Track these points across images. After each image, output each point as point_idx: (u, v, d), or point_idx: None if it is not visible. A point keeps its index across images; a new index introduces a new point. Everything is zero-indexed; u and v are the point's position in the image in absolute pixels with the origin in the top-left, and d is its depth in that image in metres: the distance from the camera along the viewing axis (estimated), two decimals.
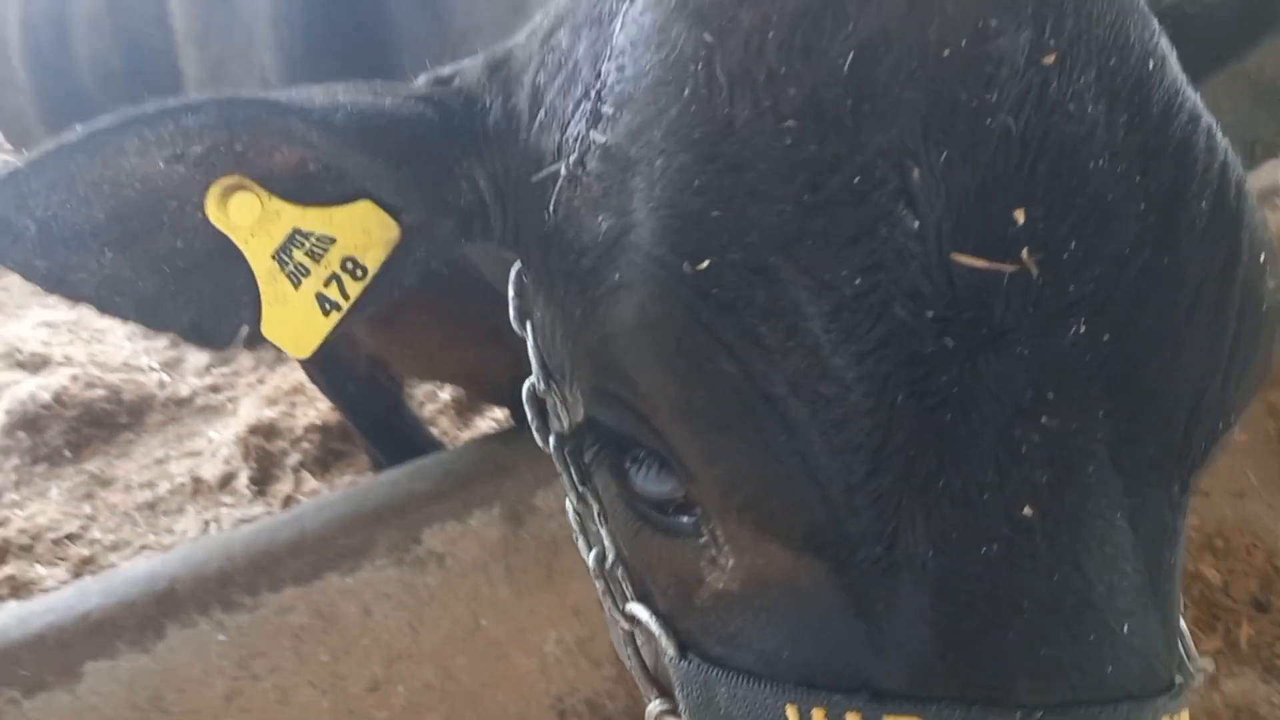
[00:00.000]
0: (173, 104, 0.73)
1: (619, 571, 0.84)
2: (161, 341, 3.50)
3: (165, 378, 3.35)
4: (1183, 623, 0.81)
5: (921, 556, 0.64)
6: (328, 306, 0.83)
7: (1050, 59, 0.63)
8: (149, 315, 0.83)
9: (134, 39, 1.69)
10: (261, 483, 2.99)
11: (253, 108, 0.74)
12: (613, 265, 0.68)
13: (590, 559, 0.86)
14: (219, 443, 3.12)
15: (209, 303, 0.82)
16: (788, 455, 0.64)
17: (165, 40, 1.60)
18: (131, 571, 1.78)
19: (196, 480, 3.03)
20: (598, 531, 0.85)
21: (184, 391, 3.32)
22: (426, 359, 1.91)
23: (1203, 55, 0.82)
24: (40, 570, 2.83)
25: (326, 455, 3.03)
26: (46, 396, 3.17)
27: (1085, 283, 0.62)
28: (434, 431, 2.95)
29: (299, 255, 0.81)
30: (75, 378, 3.24)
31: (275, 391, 3.22)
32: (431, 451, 2.38)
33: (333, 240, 0.82)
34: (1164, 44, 0.70)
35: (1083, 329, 0.62)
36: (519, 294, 0.87)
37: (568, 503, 0.86)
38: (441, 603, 1.95)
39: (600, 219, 0.69)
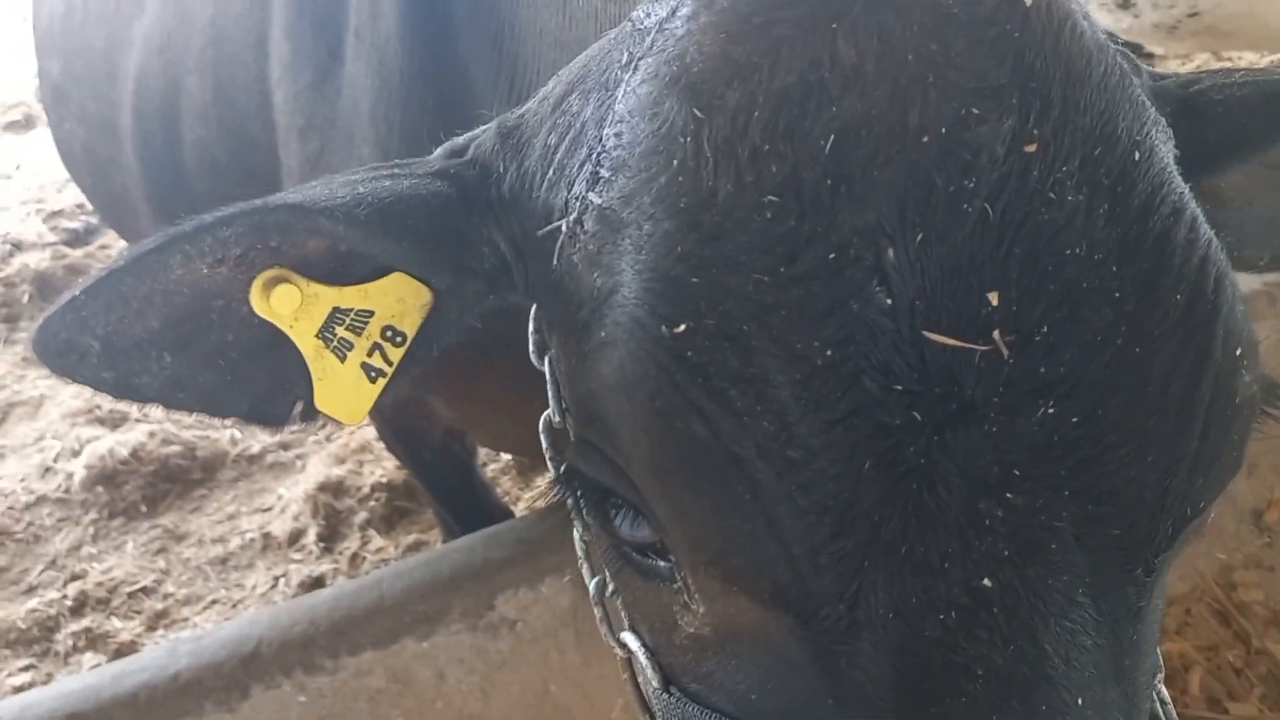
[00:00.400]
0: (208, 220, 0.79)
1: (618, 601, 0.88)
2: None
3: (237, 434, 3.45)
4: (1163, 689, 0.83)
5: (882, 618, 0.66)
6: (373, 374, 0.89)
7: (1032, 147, 0.65)
8: (211, 406, 0.90)
9: (237, 130, 1.79)
10: (329, 540, 3.07)
11: (281, 213, 0.80)
12: (601, 322, 0.71)
13: (592, 586, 0.90)
14: (288, 499, 3.20)
15: (264, 387, 0.88)
16: (754, 515, 0.66)
17: (266, 132, 1.70)
18: (220, 633, 1.85)
19: (266, 536, 3.11)
20: (600, 561, 0.88)
21: (255, 448, 3.41)
22: (501, 430, 1.97)
23: (1226, 144, 0.83)
24: (116, 623, 2.92)
25: (392, 513, 3.10)
26: (125, 452, 3.28)
27: (1056, 366, 0.63)
28: (496, 491, 3.02)
29: (341, 331, 0.87)
30: (152, 434, 3.34)
31: (343, 450, 3.30)
32: (501, 516, 2.44)
33: (371, 313, 0.88)
34: (1155, 134, 0.71)
35: (1051, 410, 0.63)
36: (538, 330, 0.92)
37: (574, 531, 0.90)
38: (512, 668, 1.99)
39: (595, 276, 0.73)
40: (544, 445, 0.90)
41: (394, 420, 2.28)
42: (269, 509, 3.21)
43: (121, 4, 2.12)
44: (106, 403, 3.53)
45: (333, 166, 1.59)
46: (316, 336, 0.86)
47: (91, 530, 3.18)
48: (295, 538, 3.07)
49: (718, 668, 0.76)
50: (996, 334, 0.63)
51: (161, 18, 1.98)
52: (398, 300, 0.88)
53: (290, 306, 0.84)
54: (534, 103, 0.87)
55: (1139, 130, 0.69)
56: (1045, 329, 0.63)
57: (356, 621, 1.87)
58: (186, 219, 0.80)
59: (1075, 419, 0.64)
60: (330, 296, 0.86)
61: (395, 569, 1.94)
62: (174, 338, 0.83)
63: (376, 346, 0.89)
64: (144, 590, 3.01)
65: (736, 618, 0.72)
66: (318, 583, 2.93)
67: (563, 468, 0.82)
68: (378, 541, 3.03)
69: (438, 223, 0.84)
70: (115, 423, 3.47)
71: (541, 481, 3.22)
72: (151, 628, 2.92)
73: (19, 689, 2.73)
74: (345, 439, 3.36)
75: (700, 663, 0.78)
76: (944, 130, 0.65)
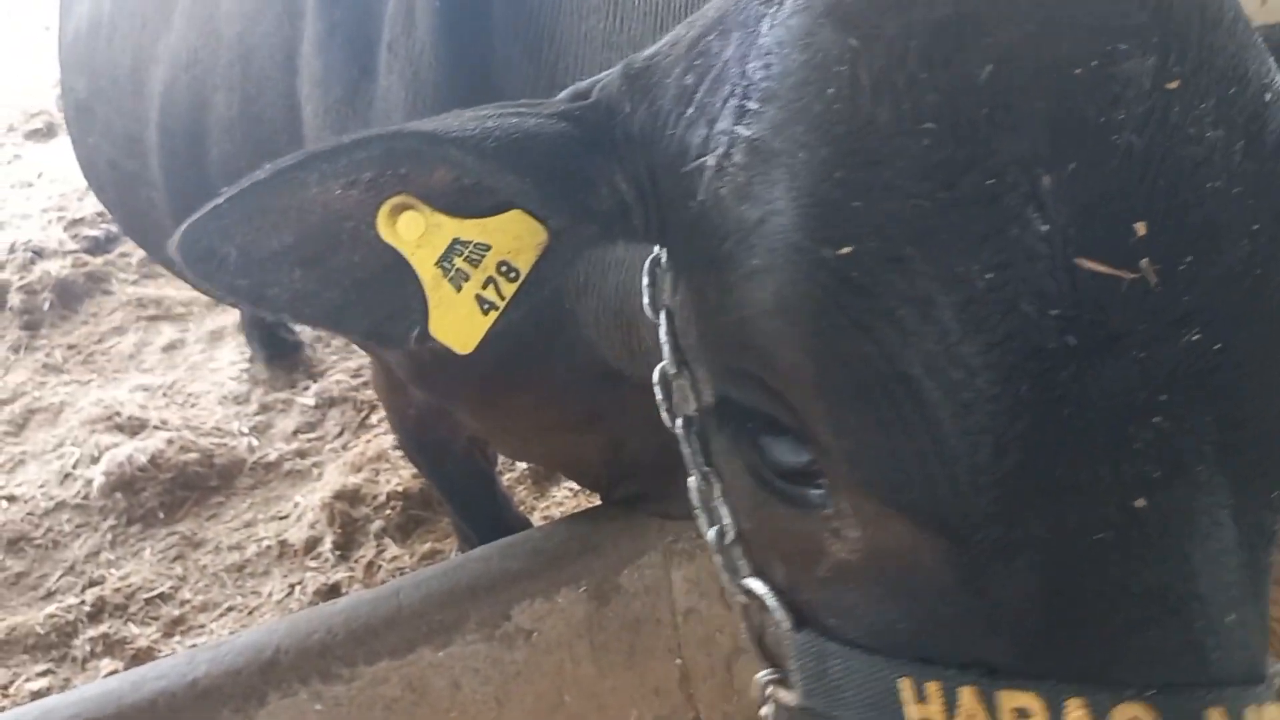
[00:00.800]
0: (346, 141, 0.83)
1: (737, 548, 0.89)
2: (252, 406, 3.64)
3: (254, 442, 3.48)
4: None
5: (1038, 540, 0.68)
6: (486, 307, 0.92)
7: (1174, 85, 0.67)
8: (334, 322, 0.93)
9: (264, 146, 1.81)
10: (345, 548, 3.09)
11: (415, 140, 0.84)
12: (751, 251, 0.73)
13: (711, 535, 0.91)
14: (304, 507, 3.22)
15: (384, 309, 0.92)
16: (918, 433, 0.68)
17: (294, 147, 1.71)
18: (238, 641, 1.87)
19: (282, 544, 3.13)
20: (717, 510, 0.90)
21: (272, 456, 3.44)
22: (525, 441, 1.99)
23: None
24: (133, 629, 2.95)
25: (408, 522, 3.12)
26: (143, 459, 3.31)
27: (1199, 295, 0.66)
28: (514, 501, 3.04)
29: (459, 262, 0.89)
30: (171, 441, 3.37)
31: (359, 458, 3.32)
32: (519, 526, 2.46)
33: (488, 247, 0.90)
34: None
35: (1195, 338, 0.66)
36: (653, 282, 0.94)
37: (690, 481, 0.91)
38: (527, 678, 2.01)
39: (743, 207, 0.74)
40: (658, 397, 0.93)
41: (416, 431, 2.30)
42: (285, 516, 3.24)
43: (148, 21, 2.15)
44: (126, 409, 3.57)
45: None
46: (436, 265, 0.89)
47: (110, 536, 3.21)
48: (311, 545, 3.09)
49: (863, 599, 0.78)
50: (1144, 263, 0.65)
51: (188, 35, 2.00)
52: (515, 237, 0.90)
53: (414, 234, 0.87)
54: (663, 46, 0.89)
55: (1266, 74, 0.72)
56: (1189, 259, 0.66)
57: (374, 630, 1.88)
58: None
59: (1217, 346, 0.66)
60: (451, 227, 0.88)
61: (413, 578, 1.96)
62: (305, 253, 0.87)
63: (491, 280, 0.91)
64: (161, 596, 3.04)
65: (890, 542, 0.74)
66: (333, 590, 2.95)
67: (711, 398, 0.84)
68: (393, 550, 3.05)
69: (561, 162, 0.87)
70: (134, 430, 3.50)
71: (557, 491, 3.24)
72: (168, 634, 2.94)
73: (37, 694, 2.76)
74: (362, 448, 3.38)
75: (843, 595, 0.79)
76: (1094, 64, 0.67)
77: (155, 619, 2.99)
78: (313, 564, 3.06)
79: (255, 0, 1.84)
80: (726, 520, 0.89)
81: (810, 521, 0.79)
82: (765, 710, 0.89)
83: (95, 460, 3.39)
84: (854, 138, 0.69)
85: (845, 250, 0.68)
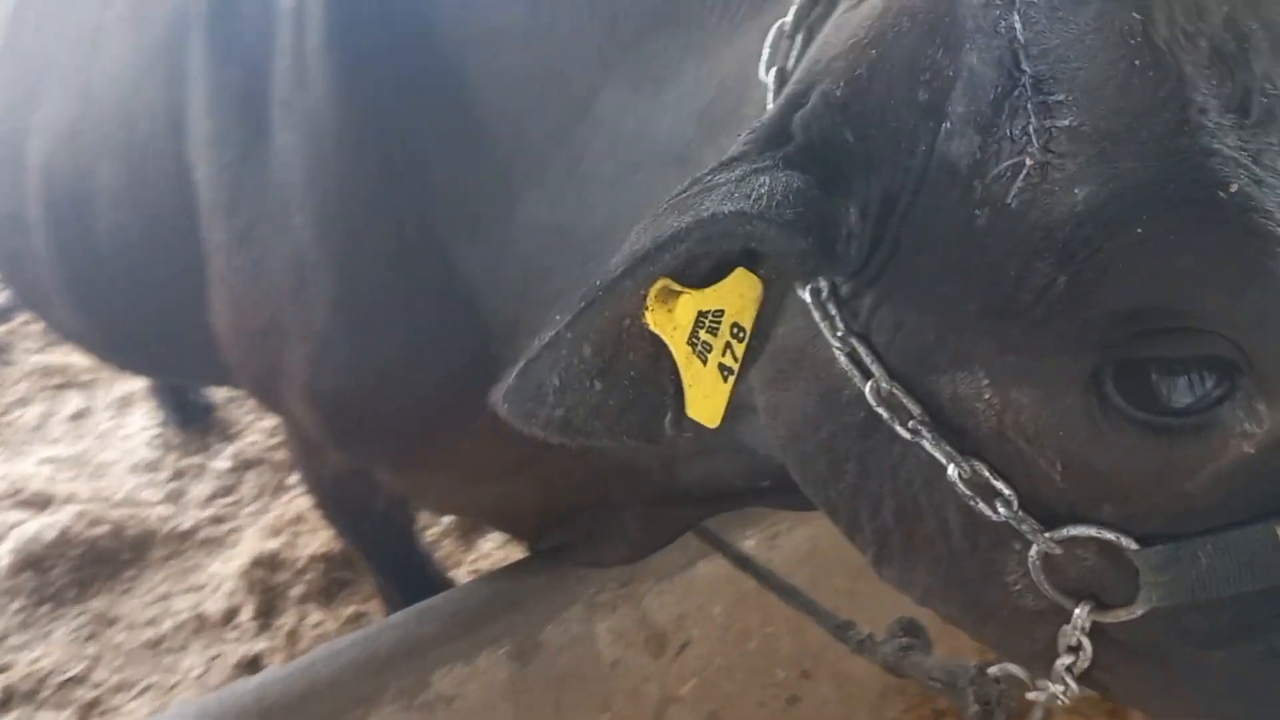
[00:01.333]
0: (665, 236, 0.82)
1: (1021, 513, 0.91)
2: (164, 473, 3.53)
3: (168, 510, 3.37)
4: None
5: None
6: (725, 373, 0.93)
7: None
8: (615, 429, 0.93)
9: (154, 212, 1.77)
10: (266, 616, 3.00)
11: (728, 222, 0.83)
12: (1114, 225, 0.77)
13: (1001, 511, 0.92)
14: (222, 576, 3.13)
15: (650, 401, 0.93)
16: None
17: (186, 211, 1.68)
18: None
19: (200, 617, 3.03)
20: (990, 485, 0.91)
21: (186, 524, 3.33)
22: (450, 493, 1.95)
23: None
24: (46, 716, 2.82)
25: (330, 585, 3.05)
26: (52, 535, 3.18)
27: None
28: (438, 554, 2.99)
29: (703, 334, 0.90)
30: (80, 514, 3.25)
31: (278, 521, 3.24)
32: (442, 584, 2.41)
33: (722, 312, 0.91)
34: None
35: None
36: (824, 316, 0.95)
37: (950, 472, 0.92)
38: None
39: (1080, 190, 0.78)
40: (884, 415, 0.93)
41: (334, 491, 2.25)
42: (202, 587, 3.13)
43: (14, 99, 2.11)
44: (31, 484, 3.44)
45: (264, 238, 1.58)
46: (687, 343, 0.90)
47: (18, 619, 3.08)
48: (230, 616, 3.00)
49: (1239, 490, 0.83)
50: None
51: (66, 105, 1.96)
52: (740, 296, 0.92)
53: (689, 316, 0.88)
54: (853, 69, 0.89)
55: None
56: None
57: (289, 708, 1.82)
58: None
59: None
60: (695, 301, 0.89)
61: (329, 649, 1.90)
62: (598, 363, 0.88)
63: (728, 345, 0.92)
64: (74, 679, 2.91)
65: None
66: (254, 662, 2.86)
67: (942, 398, 0.89)
68: (316, 615, 2.97)
69: (817, 210, 0.87)
70: (41, 505, 3.37)
71: (484, 543, 3.19)
72: (83, 718, 2.82)
73: None
74: (280, 510, 3.30)
75: (1212, 494, 0.84)
76: None
77: (69, 703, 2.87)
78: (232, 635, 2.97)
79: (135, 66, 1.81)
80: (1008, 492, 0.91)
81: (1186, 442, 0.82)
82: (1085, 641, 0.94)
83: (1, 540, 3.25)
84: (1177, 94, 0.76)
85: (1234, 188, 0.75)
